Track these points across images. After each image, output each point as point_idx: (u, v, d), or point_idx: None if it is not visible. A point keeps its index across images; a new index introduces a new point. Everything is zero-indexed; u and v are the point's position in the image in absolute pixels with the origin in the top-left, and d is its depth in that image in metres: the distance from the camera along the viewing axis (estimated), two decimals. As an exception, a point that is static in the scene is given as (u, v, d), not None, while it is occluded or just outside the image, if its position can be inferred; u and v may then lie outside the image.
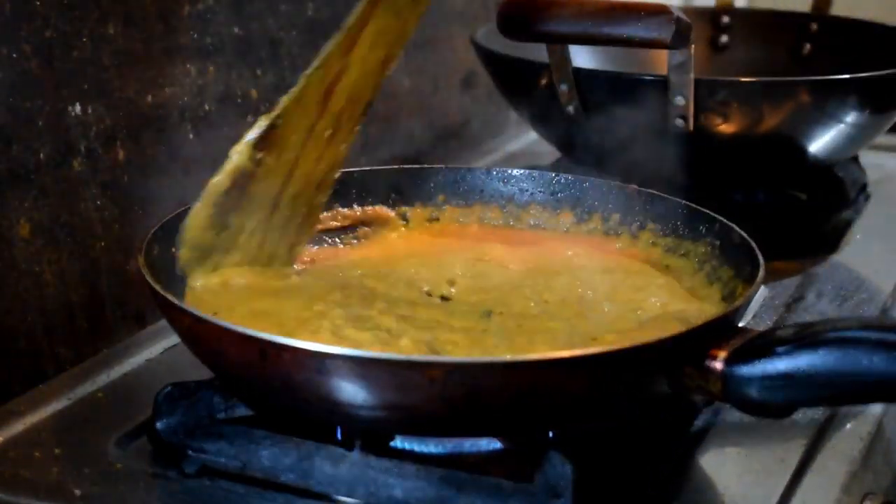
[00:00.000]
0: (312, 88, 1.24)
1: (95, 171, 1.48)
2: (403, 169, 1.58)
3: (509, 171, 1.57)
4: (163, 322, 1.56)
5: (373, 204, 1.54)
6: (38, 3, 1.39)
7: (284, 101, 1.24)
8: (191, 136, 1.62)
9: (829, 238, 1.86)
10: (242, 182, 1.25)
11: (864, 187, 2.04)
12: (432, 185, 1.56)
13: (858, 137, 1.83)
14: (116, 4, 1.49)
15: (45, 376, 1.42)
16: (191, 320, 1.17)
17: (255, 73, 1.73)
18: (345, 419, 1.16)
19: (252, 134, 1.24)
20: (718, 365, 1.13)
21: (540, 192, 1.55)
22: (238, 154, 1.24)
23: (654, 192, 1.48)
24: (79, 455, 1.25)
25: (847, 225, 1.91)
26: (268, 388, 1.15)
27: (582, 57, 1.89)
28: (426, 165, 1.62)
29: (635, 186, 1.50)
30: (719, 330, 1.15)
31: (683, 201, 1.45)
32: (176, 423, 1.23)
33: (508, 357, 1.16)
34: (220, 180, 1.24)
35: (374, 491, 1.15)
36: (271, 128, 1.24)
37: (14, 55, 1.37)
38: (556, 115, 1.82)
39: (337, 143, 1.28)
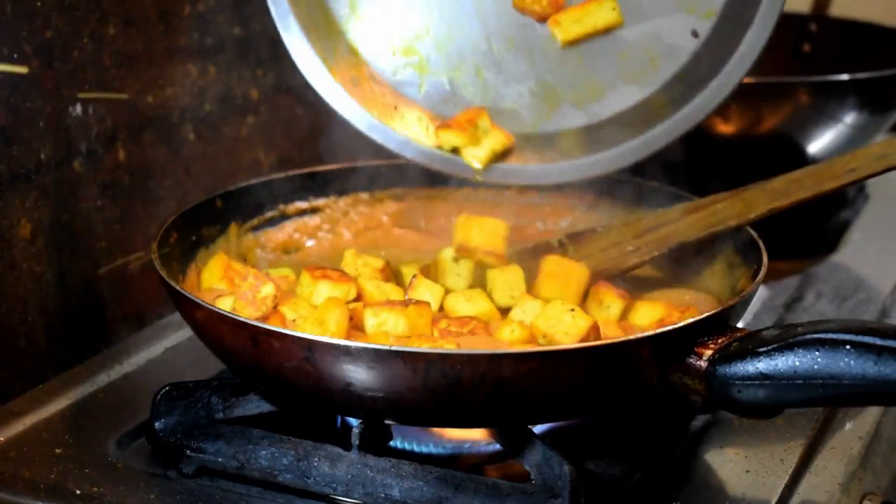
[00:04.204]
0: (646, 220, 1.43)
1: (96, 172, 1.48)
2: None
3: None
4: (163, 322, 1.57)
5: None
6: (39, 3, 1.39)
7: (619, 221, 1.45)
8: (191, 136, 1.63)
9: (828, 238, 1.86)
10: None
11: (862, 188, 2.04)
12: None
13: (857, 138, 1.83)
14: (117, 5, 1.49)
15: (45, 376, 1.42)
16: (192, 307, 1.19)
17: (255, 74, 1.73)
18: (333, 405, 1.17)
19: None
20: (703, 364, 1.13)
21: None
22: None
23: (673, 189, 1.49)
24: (79, 455, 1.25)
25: (846, 225, 1.91)
26: (262, 373, 1.17)
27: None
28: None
29: (655, 183, 1.51)
30: (706, 328, 1.16)
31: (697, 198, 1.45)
32: (174, 424, 1.23)
33: (489, 350, 1.17)
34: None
35: (371, 491, 1.16)
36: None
37: (14, 55, 1.37)
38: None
39: (629, 257, 1.40)
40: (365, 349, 1.09)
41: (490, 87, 1.45)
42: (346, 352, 1.09)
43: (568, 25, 1.40)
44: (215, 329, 1.18)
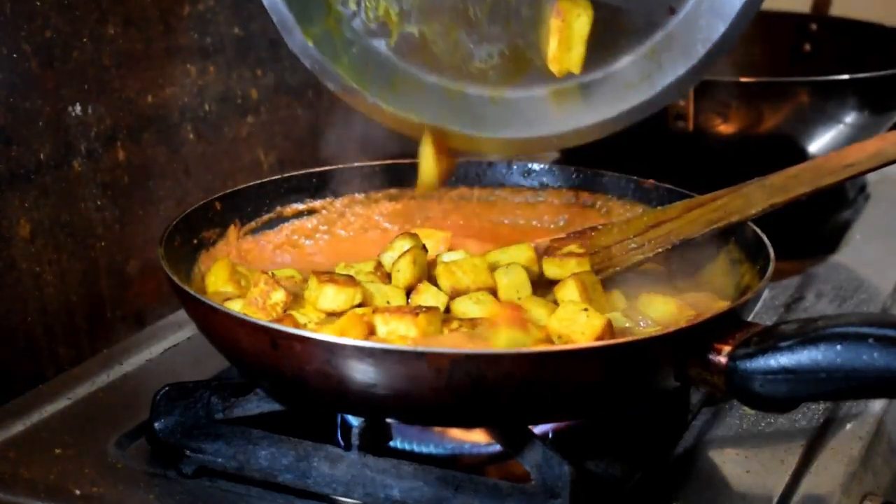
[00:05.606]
0: (647, 217, 1.43)
1: (95, 172, 1.48)
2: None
3: (529, 165, 1.60)
4: (162, 322, 1.57)
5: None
6: (38, 3, 1.39)
7: (618, 219, 1.46)
8: (191, 136, 1.63)
9: (828, 238, 1.86)
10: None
11: (863, 188, 2.04)
12: (454, 177, 1.60)
13: (858, 137, 1.83)
14: (116, 4, 1.49)
15: (45, 376, 1.42)
16: (207, 310, 1.18)
17: (255, 74, 1.73)
18: (349, 406, 1.17)
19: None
20: (722, 359, 1.14)
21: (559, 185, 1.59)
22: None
23: (670, 186, 1.50)
24: (79, 455, 1.25)
25: (846, 225, 1.91)
26: (279, 376, 1.16)
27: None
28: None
29: (653, 181, 1.52)
30: (724, 324, 1.16)
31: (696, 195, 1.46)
32: (174, 424, 1.23)
33: (515, 350, 1.17)
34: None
35: (371, 491, 1.16)
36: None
37: (14, 55, 1.37)
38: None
39: (633, 255, 1.41)
40: (392, 350, 1.10)
41: (461, 45, 1.45)
42: (371, 354, 1.09)
43: (568, 59, 1.42)
44: (231, 332, 1.17)
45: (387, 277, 1.36)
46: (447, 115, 1.46)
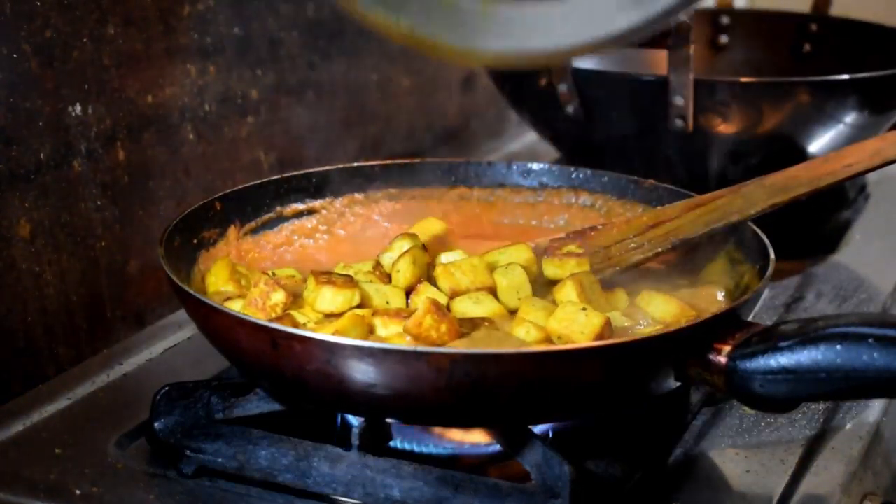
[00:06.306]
0: (647, 217, 1.44)
1: (95, 171, 1.48)
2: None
3: (529, 165, 1.60)
4: (163, 322, 1.57)
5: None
6: (38, 3, 1.39)
7: (618, 219, 1.48)
8: (191, 136, 1.63)
9: (828, 238, 1.86)
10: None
11: (863, 188, 2.04)
12: (454, 178, 1.60)
13: (858, 137, 1.83)
14: (116, 4, 1.49)
15: (45, 376, 1.42)
16: (207, 310, 1.19)
17: (255, 73, 1.73)
18: (350, 405, 1.17)
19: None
20: (722, 359, 1.14)
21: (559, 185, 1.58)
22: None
23: (670, 186, 1.50)
24: (79, 455, 1.25)
25: (847, 225, 1.91)
26: (279, 376, 1.16)
27: (581, 57, 1.89)
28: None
29: (653, 181, 1.52)
30: (724, 324, 1.16)
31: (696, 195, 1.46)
32: (173, 424, 1.23)
33: (515, 350, 1.17)
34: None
35: (371, 491, 1.16)
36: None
37: (14, 55, 1.37)
38: (556, 116, 1.82)
39: (633, 254, 1.41)
40: (392, 350, 1.10)
41: None
42: (371, 354, 1.09)
43: None
44: (231, 332, 1.17)
45: (386, 277, 1.36)
46: (435, 22, 1.45)
